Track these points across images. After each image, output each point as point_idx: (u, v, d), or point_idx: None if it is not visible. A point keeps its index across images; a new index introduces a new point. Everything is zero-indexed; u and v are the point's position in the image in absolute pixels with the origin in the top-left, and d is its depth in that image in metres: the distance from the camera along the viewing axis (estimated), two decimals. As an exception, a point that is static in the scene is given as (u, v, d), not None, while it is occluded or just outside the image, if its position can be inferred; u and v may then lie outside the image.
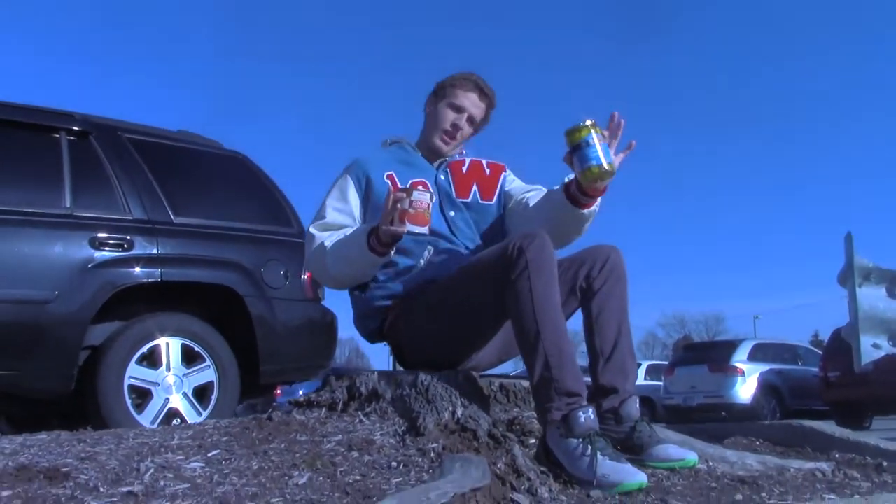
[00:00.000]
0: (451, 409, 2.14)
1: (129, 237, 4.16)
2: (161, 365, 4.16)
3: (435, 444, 1.99)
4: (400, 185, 2.45)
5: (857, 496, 2.11)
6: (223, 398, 4.29)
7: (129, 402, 4.02)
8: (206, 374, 4.28)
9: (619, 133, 2.33)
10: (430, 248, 2.49)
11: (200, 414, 4.20)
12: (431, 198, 2.29)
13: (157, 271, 4.20)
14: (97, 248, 4.05)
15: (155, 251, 4.22)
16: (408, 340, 2.46)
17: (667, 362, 18.57)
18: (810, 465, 2.45)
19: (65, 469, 1.78)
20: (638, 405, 2.34)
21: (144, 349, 4.12)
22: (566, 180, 2.43)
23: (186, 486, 1.70)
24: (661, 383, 16.50)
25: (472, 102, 2.63)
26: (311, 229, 2.54)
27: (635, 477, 1.97)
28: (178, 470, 1.81)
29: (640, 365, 18.86)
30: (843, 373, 12.38)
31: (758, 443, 3.01)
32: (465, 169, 2.67)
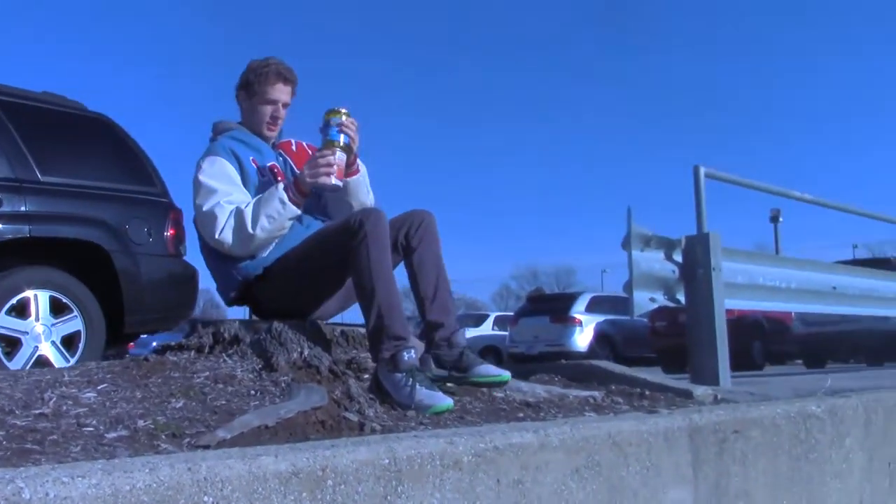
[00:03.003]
0: (299, 349, 2.65)
1: None
2: (30, 315, 4.45)
3: (285, 377, 2.50)
4: (261, 168, 2.95)
5: (611, 414, 2.78)
6: (90, 346, 4.64)
7: (-1, 350, 4.32)
8: (74, 323, 4.61)
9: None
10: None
11: (69, 361, 4.52)
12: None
13: (26, 227, 4.48)
14: None
15: (23, 208, 4.48)
16: (266, 298, 2.94)
17: (512, 314, 19.65)
18: (586, 393, 3.11)
19: (-22, 400, 2.18)
20: (465, 335, 2.93)
21: (14, 300, 4.40)
22: None
23: (85, 409, 2.14)
24: (507, 333, 17.50)
25: (279, 92, 3.08)
26: (219, 204, 2.85)
27: (444, 401, 2.55)
28: (75, 398, 2.24)
29: (487, 316, 19.87)
30: (668, 323, 13.64)
31: (556, 378, 3.67)
32: (294, 148, 3.18)
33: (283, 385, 2.45)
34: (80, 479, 1.49)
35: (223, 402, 2.29)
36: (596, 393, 3.13)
